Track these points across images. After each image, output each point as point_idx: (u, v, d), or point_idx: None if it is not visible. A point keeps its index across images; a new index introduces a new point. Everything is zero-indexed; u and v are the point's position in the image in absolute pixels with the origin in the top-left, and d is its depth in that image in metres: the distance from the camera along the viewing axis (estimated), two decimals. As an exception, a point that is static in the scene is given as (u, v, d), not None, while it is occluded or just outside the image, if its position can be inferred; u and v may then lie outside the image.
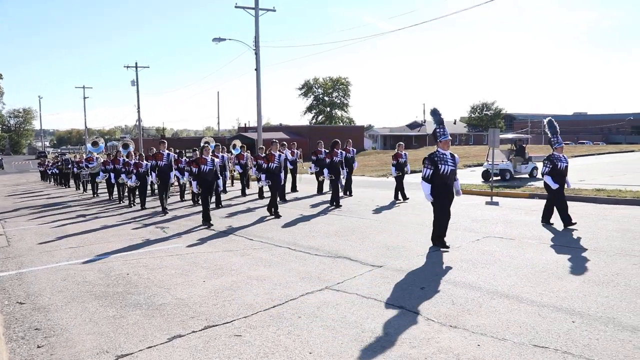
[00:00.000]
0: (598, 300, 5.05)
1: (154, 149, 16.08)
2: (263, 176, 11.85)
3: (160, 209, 13.33)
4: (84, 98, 62.13)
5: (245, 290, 5.83)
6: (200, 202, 12.26)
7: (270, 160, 11.77)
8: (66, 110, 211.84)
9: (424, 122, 79.02)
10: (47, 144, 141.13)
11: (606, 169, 22.83)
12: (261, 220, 11.28)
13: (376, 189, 17.22)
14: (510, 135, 25.24)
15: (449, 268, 6.51)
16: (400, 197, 13.74)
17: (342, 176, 13.38)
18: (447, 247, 7.56)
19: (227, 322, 4.80)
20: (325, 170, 13.17)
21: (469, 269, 6.44)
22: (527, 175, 19.42)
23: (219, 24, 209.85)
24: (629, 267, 6.24)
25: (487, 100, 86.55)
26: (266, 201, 14.96)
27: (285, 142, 17.26)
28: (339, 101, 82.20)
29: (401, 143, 14.52)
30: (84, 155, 25.45)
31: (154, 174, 13.75)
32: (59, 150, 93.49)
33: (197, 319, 4.92)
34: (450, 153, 7.66)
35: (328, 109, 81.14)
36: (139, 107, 47.70)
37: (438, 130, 7.71)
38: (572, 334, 4.24)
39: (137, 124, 49.97)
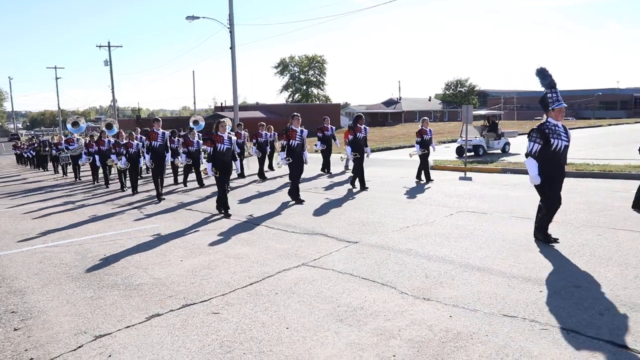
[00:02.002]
0: (564, 271, 5.25)
1: (139, 129, 15.65)
2: (282, 154, 10.49)
3: (155, 192, 12.25)
4: (56, 79, 60.75)
5: (222, 269, 5.88)
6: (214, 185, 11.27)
7: (292, 137, 10.33)
8: (38, 92, 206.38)
9: (400, 99, 79.32)
10: (20, 125, 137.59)
11: (576, 143, 23.26)
12: (245, 200, 11.28)
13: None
14: (483, 112, 25.64)
15: (423, 243, 6.65)
16: (423, 177, 12.73)
17: (366, 154, 12.02)
18: (557, 240, 6.32)
19: (205, 300, 4.86)
20: (348, 148, 11.96)
21: (442, 242, 6.60)
22: (499, 151, 19.86)
23: (193, 3, 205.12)
24: (594, 238, 6.48)
25: (461, 77, 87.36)
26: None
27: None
28: (315, 79, 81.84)
29: (425, 118, 13.31)
30: (63, 137, 24.71)
31: (147, 156, 11.97)
32: (32, 132, 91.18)
33: (175, 298, 4.96)
34: (563, 125, 6.30)
35: (304, 87, 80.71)
36: (113, 88, 46.79)
37: (550, 95, 6.21)
38: (539, 303, 4.41)
39: (112, 104, 48.97)
